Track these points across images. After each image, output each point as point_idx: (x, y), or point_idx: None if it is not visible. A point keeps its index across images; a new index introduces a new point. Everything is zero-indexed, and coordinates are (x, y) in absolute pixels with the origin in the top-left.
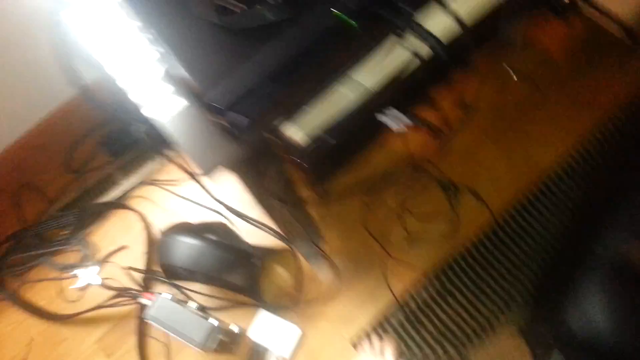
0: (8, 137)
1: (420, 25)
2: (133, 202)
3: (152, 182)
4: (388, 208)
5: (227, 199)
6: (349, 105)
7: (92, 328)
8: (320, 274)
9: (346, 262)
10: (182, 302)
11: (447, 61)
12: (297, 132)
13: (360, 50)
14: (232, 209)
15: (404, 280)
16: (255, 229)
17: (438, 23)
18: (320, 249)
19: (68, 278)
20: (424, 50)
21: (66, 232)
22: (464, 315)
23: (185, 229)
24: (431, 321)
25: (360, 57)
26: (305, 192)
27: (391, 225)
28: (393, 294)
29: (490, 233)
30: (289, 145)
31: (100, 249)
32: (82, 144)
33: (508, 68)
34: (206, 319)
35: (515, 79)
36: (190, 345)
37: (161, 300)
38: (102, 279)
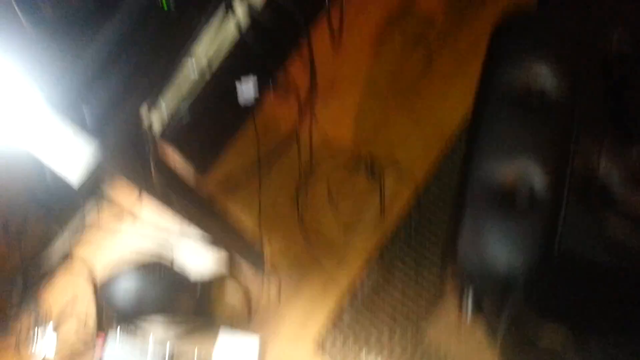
0: None
1: None
2: (77, 249)
3: (91, 226)
4: (319, 197)
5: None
6: (196, 79)
7: None
8: (268, 280)
9: (292, 262)
10: (140, 338)
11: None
12: (153, 114)
13: (194, 27)
14: (166, 228)
15: (350, 268)
16: (198, 250)
17: None
18: (254, 251)
19: (27, 344)
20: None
21: (15, 299)
22: (414, 286)
23: (121, 273)
24: (385, 301)
25: (196, 34)
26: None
27: (326, 216)
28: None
29: (420, 199)
30: (151, 130)
31: (52, 305)
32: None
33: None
34: (162, 350)
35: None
36: None
37: (110, 343)
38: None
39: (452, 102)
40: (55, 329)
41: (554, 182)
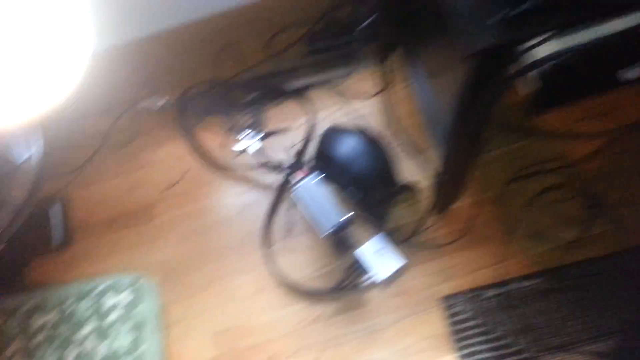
0: (220, 3)
1: None
2: (309, 97)
3: (333, 88)
4: (528, 195)
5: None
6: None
7: (235, 186)
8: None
9: (472, 229)
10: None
11: None
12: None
13: None
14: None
15: (513, 267)
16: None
17: None
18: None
19: (234, 136)
20: None
21: (246, 100)
22: (554, 323)
23: (351, 130)
24: (521, 314)
25: None
26: None
27: (522, 213)
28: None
29: (618, 261)
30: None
31: (267, 126)
32: (288, 31)
33: None
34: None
35: None
36: (316, 229)
37: (313, 177)
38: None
39: None
40: (263, 139)
41: None
